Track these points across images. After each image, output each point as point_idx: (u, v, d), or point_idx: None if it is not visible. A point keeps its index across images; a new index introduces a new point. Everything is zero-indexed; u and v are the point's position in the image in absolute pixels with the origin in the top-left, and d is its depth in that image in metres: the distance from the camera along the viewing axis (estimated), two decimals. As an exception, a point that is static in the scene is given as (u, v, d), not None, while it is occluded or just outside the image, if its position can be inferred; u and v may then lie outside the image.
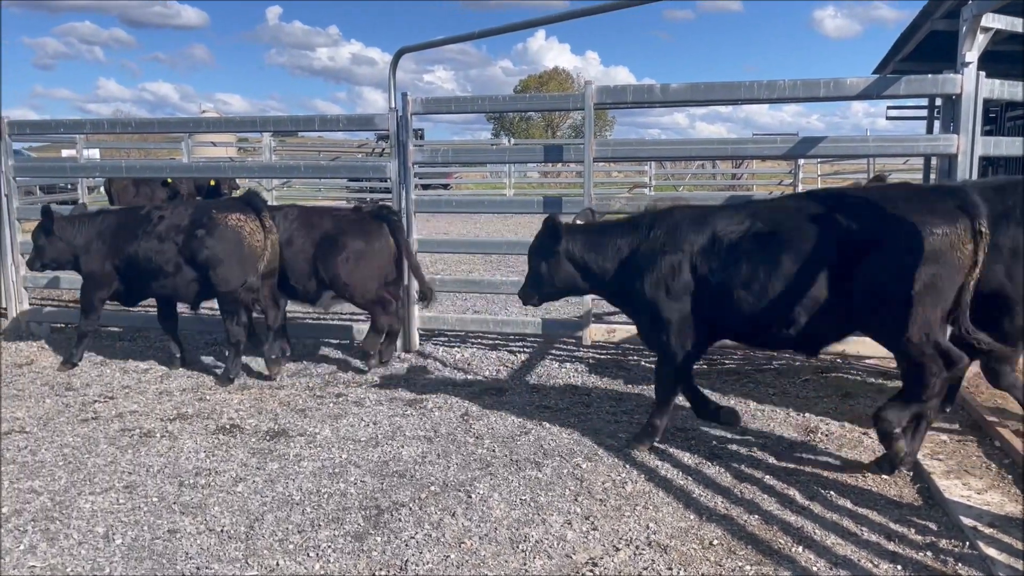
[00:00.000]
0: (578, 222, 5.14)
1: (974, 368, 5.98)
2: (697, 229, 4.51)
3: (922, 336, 3.98)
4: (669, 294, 4.51)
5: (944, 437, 4.77)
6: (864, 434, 4.96)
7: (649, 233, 4.67)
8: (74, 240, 6.44)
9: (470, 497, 4.13)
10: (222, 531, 3.79)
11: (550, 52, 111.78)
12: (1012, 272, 4.27)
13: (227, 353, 6.32)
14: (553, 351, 7.11)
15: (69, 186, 19.11)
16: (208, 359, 7.01)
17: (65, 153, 23.62)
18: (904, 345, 4.05)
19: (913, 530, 3.69)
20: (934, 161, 10.39)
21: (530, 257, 5.12)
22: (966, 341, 4.03)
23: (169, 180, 14.04)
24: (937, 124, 10.18)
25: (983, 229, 3.91)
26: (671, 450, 4.73)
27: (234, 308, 6.10)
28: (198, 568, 3.47)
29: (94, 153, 22.43)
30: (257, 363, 6.79)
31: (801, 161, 22.02)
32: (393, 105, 6.92)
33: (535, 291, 5.15)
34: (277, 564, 3.49)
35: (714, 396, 5.77)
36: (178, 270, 6.11)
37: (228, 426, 5.25)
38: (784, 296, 4.21)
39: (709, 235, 4.45)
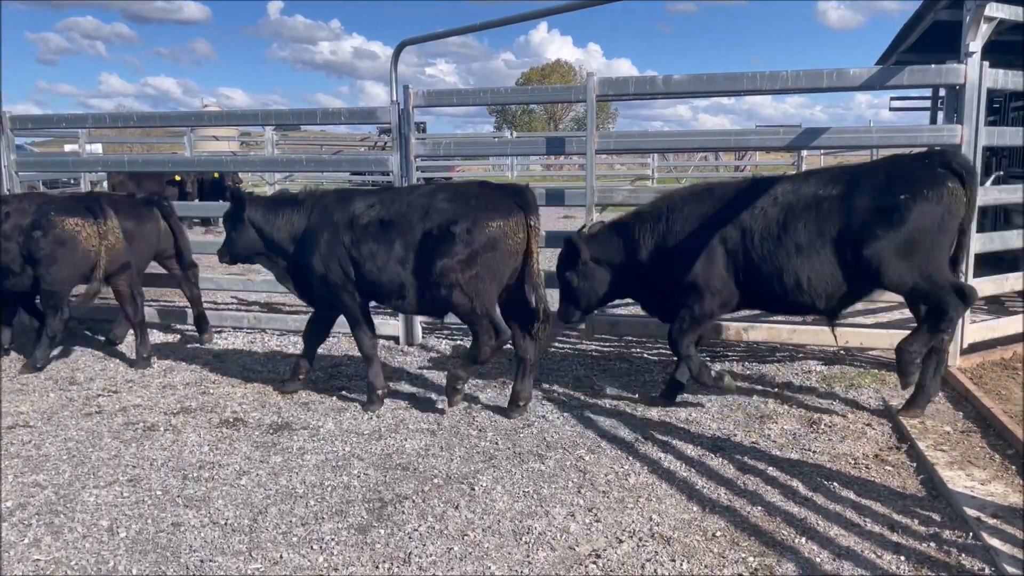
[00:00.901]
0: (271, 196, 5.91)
1: (976, 359, 6.00)
2: (342, 209, 5.28)
3: (479, 308, 4.91)
4: (319, 265, 5.28)
5: (948, 428, 4.77)
6: (867, 425, 4.95)
7: (310, 211, 5.41)
8: None
9: (473, 489, 4.13)
10: (226, 524, 3.80)
11: (552, 45, 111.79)
12: None
13: (40, 341, 6.42)
14: (556, 343, 7.11)
15: (72, 181, 19.13)
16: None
17: (68, 148, 23.63)
18: (468, 316, 4.98)
19: (916, 521, 3.69)
20: (938, 152, 10.34)
21: (223, 222, 5.80)
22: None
23: (178, 177, 14.06)
24: (940, 115, 10.15)
25: (533, 223, 4.95)
26: (674, 442, 4.73)
27: (58, 305, 6.25)
28: (202, 561, 3.48)
29: (97, 148, 22.43)
30: (255, 358, 6.80)
31: (804, 152, 21.99)
32: (395, 98, 6.90)
33: (227, 252, 5.76)
34: (281, 557, 3.50)
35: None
36: (23, 269, 6.20)
37: (231, 420, 5.26)
38: (394, 267, 5.08)
39: (349, 215, 5.22)
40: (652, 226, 5.17)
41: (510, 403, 5.27)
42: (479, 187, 5.27)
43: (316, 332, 5.82)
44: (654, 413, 5.26)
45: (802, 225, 4.71)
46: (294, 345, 7.18)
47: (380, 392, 5.46)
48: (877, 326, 6.14)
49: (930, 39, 8.97)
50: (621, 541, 3.59)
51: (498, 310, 5.13)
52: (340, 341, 7.31)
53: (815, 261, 4.71)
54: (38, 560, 3.50)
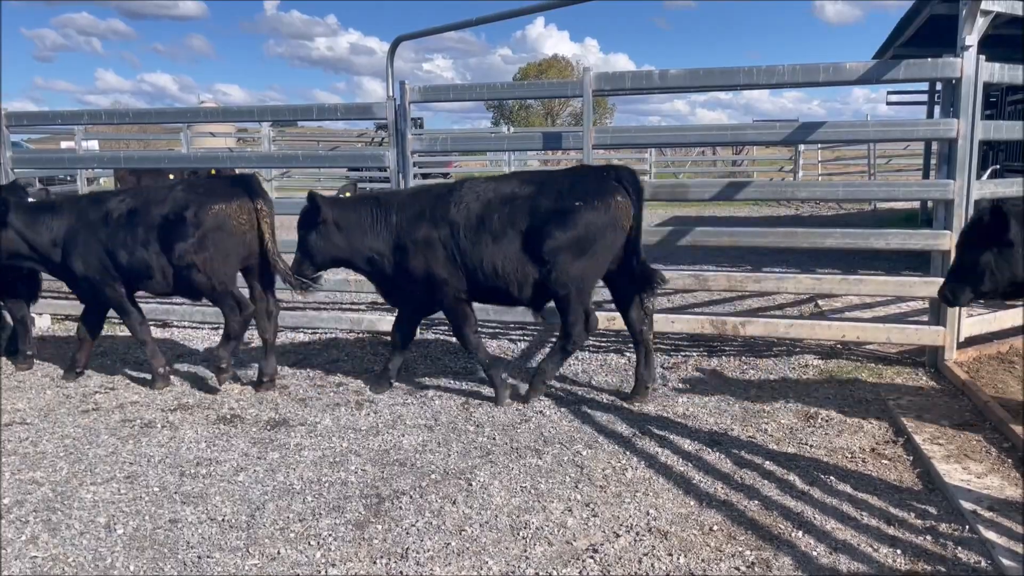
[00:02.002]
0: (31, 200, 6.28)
1: (973, 353, 6.01)
2: (96, 208, 5.71)
3: (219, 286, 5.51)
4: (79, 261, 5.66)
5: (944, 422, 4.78)
6: (864, 419, 4.96)
7: (65, 211, 5.76)
8: None
9: (471, 485, 4.14)
10: (223, 520, 3.80)
11: (549, 40, 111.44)
12: None
13: (14, 332, 6.49)
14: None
15: (68, 177, 19.07)
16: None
17: (64, 145, 23.57)
18: (208, 293, 5.56)
19: (913, 514, 3.70)
20: (935, 146, 10.36)
21: None
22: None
23: (171, 176, 14.08)
24: (937, 109, 10.16)
25: (260, 207, 5.59)
26: (671, 436, 4.74)
27: None
28: (199, 557, 3.48)
29: (93, 144, 22.35)
30: (252, 355, 6.81)
31: (801, 147, 21.98)
32: (391, 94, 6.89)
33: None
34: (278, 552, 3.50)
35: (715, 382, 5.77)
36: None
37: (229, 416, 5.26)
38: (136, 257, 5.56)
39: (104, 211, 5.66)
40: (384, 215, 5.43)
41: (257, 380, 5.86)
42: (209, 178, 5.84)
43: (92, 325, 6.14)
44: (651, 408, 5.26)
45: (496, 219, 5.17)
46: (291, 341, 7.18)
47: (161, 371, 5.92)
48: (874, 320, 6.15)
49: (927, 33, 8.98)
50: (618, 535, 3.59)
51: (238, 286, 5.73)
52: (337, 337, 7.31)
53: (507, 252, 5.16)
54: (36, 557, 3.50)
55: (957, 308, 5.75)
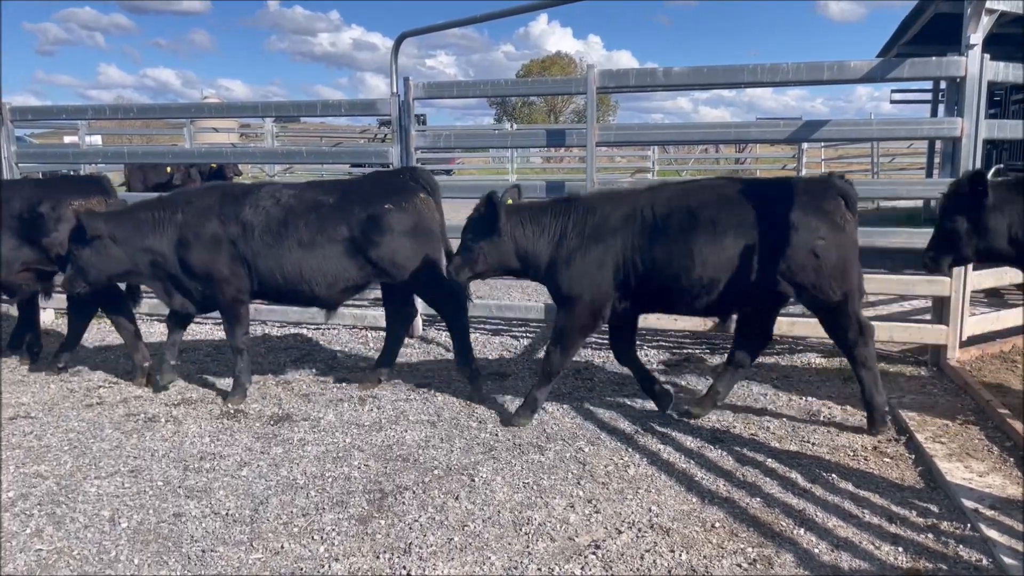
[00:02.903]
0: None
1: (975, 352, 6.01)
2: None
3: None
4: None
5: (946, 420, 4.78)
6: (866, 417, 4.96)
7: None
8: None
9: (473, 481, 4.15)
10: (227, 515, 3.82)
11: (552, 36, 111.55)
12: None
13: None
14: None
15: (71, 173, 19.11)
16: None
17: (67, 139, 23.57)
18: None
19: (914, 512, 3.70)
20: (938, 145, 10.35)
21: None
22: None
23: (168, 169, 14.13)
24: (941, 107, 10.14)
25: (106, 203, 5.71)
26: (673, 434, 4.75)
27: None
28: (203, 551, 3.49)
29: (96, 139, 22.38)
30: (255, 350, 6.81)
31: (804, 145, 21.94)
32: (395, 90, 6.90)
33: None
34: (282, 547, 3.52)
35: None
36: None
37: (232, 411, 5.27)
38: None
39: None
40: (170, 216, 5.32)
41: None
42: (61, 178, 6.28)
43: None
44: (653, 405, 5.26)
45: (302, 224, 5.22)
46: (294, 337, 7.20)
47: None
48: (877, 319, 6.14)
49: (931, 32, 8.97)
50: (620, 532, 3.60)
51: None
52: (340, 333, 7.33)
53: (314, 256, 5.23)
54: (40, 550, 3.52)
55: (960, 307, 5.76)
